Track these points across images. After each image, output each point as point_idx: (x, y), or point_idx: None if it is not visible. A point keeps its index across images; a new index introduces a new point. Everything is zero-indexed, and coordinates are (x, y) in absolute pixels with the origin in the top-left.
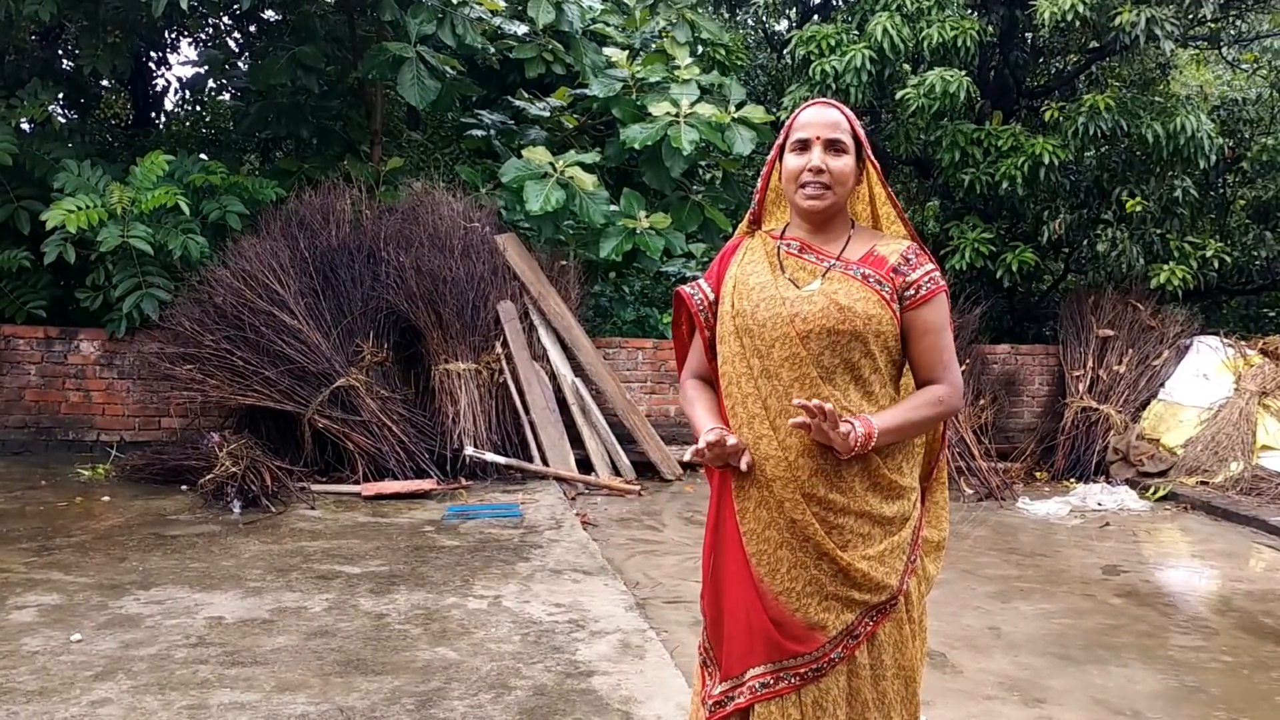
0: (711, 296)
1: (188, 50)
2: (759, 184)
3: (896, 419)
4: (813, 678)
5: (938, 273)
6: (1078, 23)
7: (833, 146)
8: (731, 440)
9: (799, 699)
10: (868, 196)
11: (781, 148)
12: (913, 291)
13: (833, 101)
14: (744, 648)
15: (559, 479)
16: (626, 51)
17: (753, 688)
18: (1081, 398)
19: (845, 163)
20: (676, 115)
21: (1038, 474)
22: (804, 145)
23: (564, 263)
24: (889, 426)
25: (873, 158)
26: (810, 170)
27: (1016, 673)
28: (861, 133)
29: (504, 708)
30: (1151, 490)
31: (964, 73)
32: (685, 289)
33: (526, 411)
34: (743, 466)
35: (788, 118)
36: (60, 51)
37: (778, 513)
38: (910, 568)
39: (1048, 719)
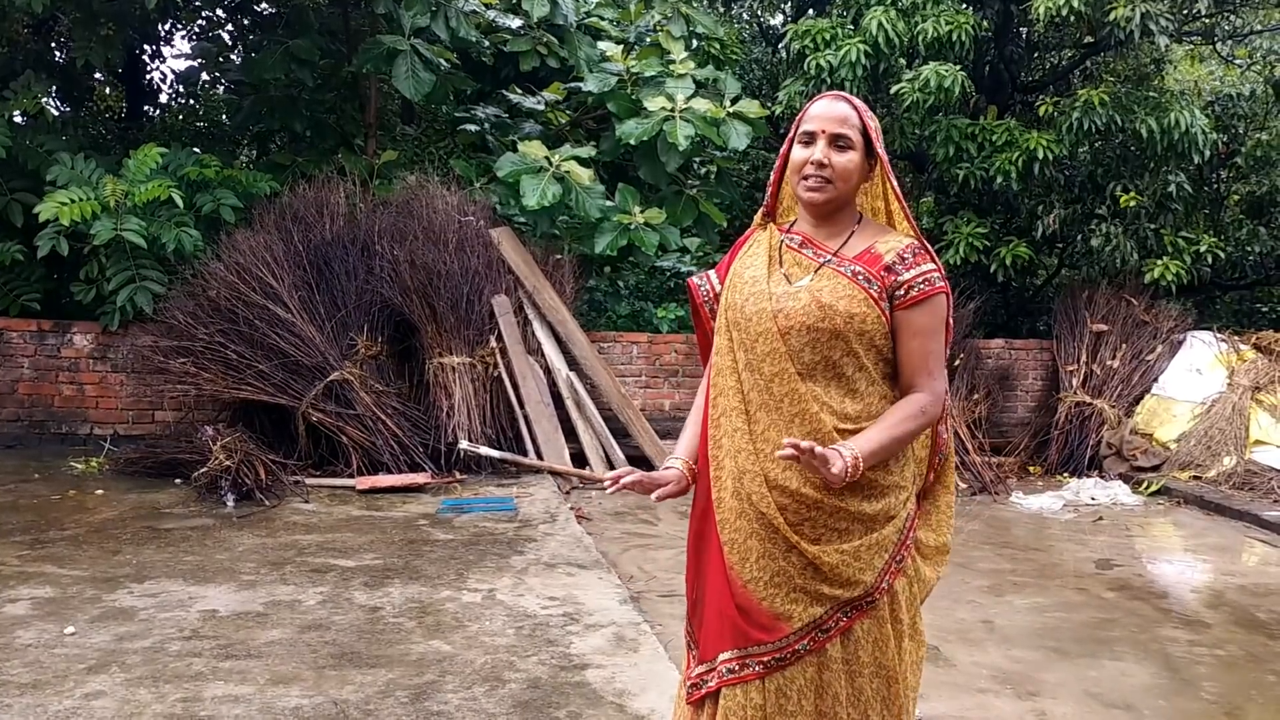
0: (717, 288)
1: (181, 43)
2: (772, 175)
3: (879, 440)
4: (777, 666)
5: (937, 274)
6: (1072, 18)
7: (837, 141)
8: (630, 479)
9: (763, 686)
10: (881, 192)
11: (794, 139)
12: (903, 292)
13: (845, 95)
14: (716, 632)
15: (553, 473)
16: (621, 46)
17: (720, 672)
18: (1075, 392)
19: (849, 159)
20: (672, 110)
21: (1031, 468)
22: (810, 138)
23: (559, 257)
24: (873, 449)
25: (884, 154)
26: (812, 164)
27: (1010, 666)
28: (873, 127)
29: (498, 700)
30: (1144, 485)
31: (959, 67)
32: (694, 280)
33: (521, 405)
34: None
35: (784, 111)
36: (53, 44)
37: (748, 504)
38: (896, 567)
39: (1041, 712)
